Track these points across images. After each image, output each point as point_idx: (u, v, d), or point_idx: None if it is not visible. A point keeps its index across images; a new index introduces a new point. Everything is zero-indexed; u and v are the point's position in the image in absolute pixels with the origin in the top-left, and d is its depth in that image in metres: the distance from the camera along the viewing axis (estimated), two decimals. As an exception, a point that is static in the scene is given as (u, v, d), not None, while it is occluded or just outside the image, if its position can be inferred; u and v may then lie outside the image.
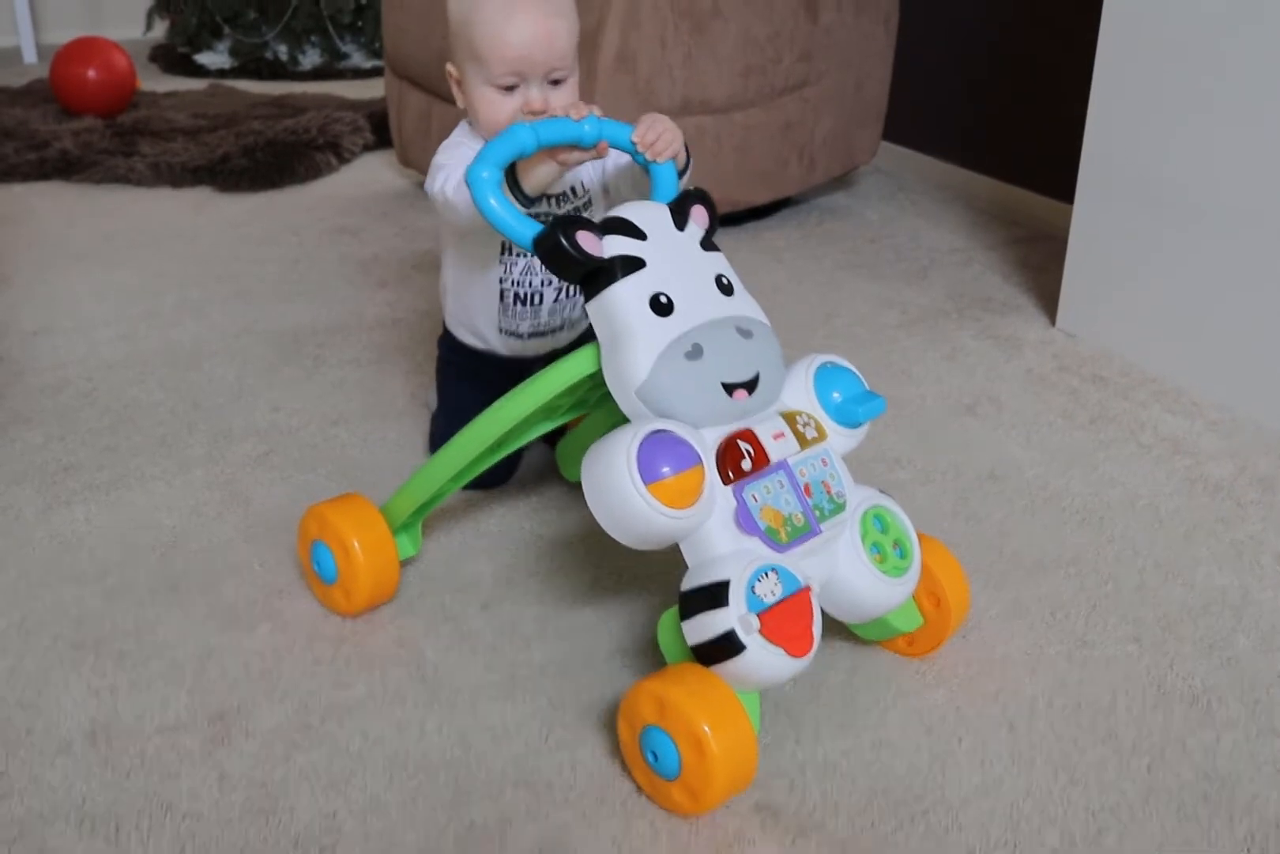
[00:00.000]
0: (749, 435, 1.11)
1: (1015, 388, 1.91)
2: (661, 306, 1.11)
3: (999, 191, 2.84)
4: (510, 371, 1.51)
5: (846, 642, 1.30)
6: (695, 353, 1.10)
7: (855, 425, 1.21)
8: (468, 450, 1.27)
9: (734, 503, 1.09)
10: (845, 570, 1.17)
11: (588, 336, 1.47)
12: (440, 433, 1.61)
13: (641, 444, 1.04)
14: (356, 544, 1.30)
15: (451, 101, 1.72)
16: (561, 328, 1.53)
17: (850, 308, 2.20)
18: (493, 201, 1.14)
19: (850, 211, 2.79)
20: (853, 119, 2.73)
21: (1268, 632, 1.34)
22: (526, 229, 1.14)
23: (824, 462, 1.16)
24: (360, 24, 4.33)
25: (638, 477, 1.03)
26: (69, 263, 2.42)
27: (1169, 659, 1.29)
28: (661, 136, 1.25)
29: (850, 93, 2.69)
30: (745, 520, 1.08)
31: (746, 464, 1.10)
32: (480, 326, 1.52)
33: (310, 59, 4.35)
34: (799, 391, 1.20)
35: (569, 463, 1.57)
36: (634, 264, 1.11)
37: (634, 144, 1.24)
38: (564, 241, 1.09)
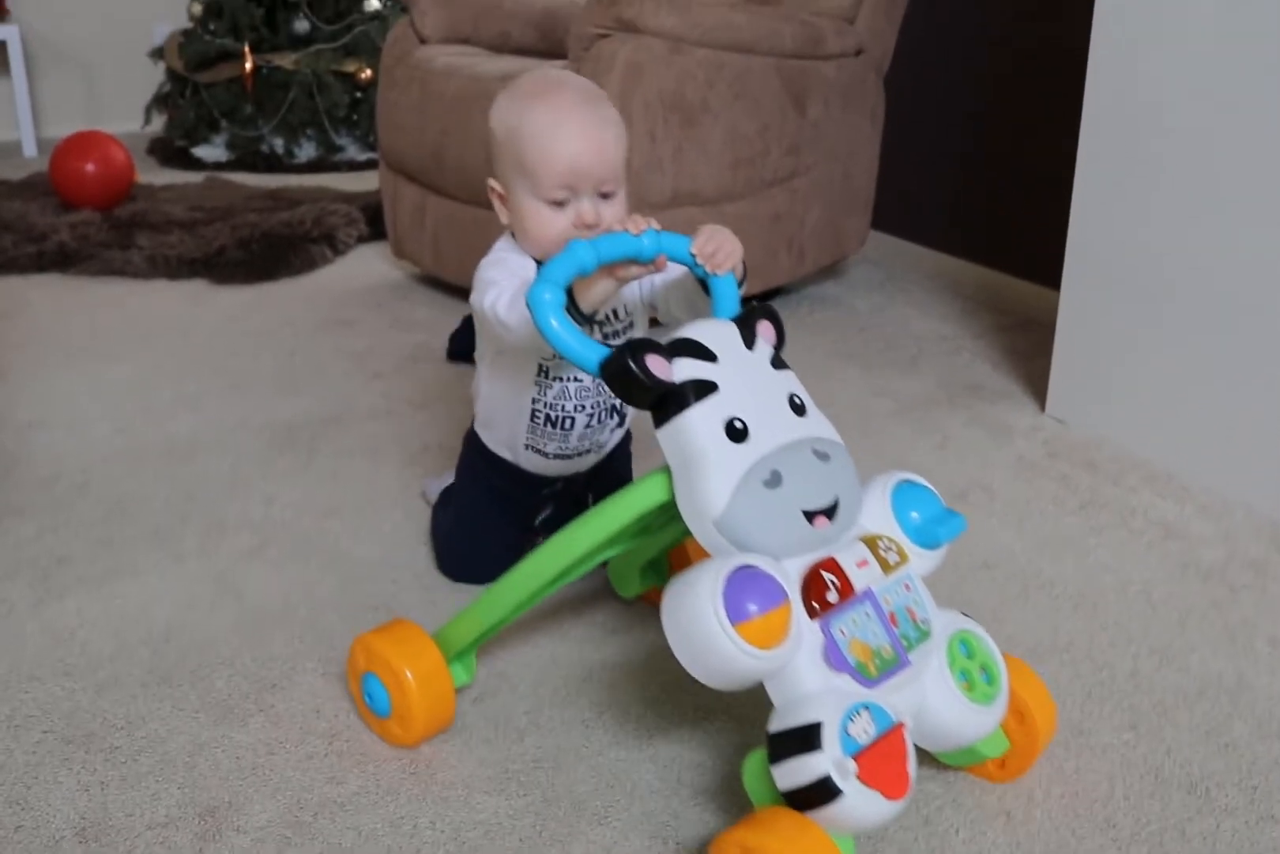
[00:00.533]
0: (833, 565, 1.06)
1: (1006, 475, 1.92)
2: (736, 432, 1.06)
3: (987, 279, 2.88)
4: (531, 485, 1.54)
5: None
6: (774, 480, 1.05)
7: (935, 546, 1.16)
8: (530, 583, 1.21)
9: (821, 638, 1.04)
10: (934, 700, 1.11)
11: (614, 459, 1.57)
12: (446, 529, 1.61)
13: (727, 581, 1.00)
14: (410, 674, 1.23)
15: (483, 206, 1.74)
16: (588, 452, 1.51)
17: (842, 397, 2.22)
18: (555, 324, 1.09)
19: (840, 301, 2.83)
20: (841, 209, 2.78)
21: (1264, 717, 1.34)
22: (592, 353, 1.09)
23: (907, 587, 1.12)
24: (355, 118, 4.41)
25: (724, 616, 0.99)
26: (64, 356, 2.43)
27: (1166, 746, 1.29)
28: (721, 247, 1.20)
29: (838, 184, 2.74)
30: (834, 656, 1.04)
31: (832, 596, 1.05)
32: (506, 438, 1.51)
33: (305, 152, 4.42)
34: (877, 513, 1.15)
35: (622, 579, 1.53)
36: (706, 388, 1.07)
37: (693, 256, 1.20)
38: (633, 366, 1.05)
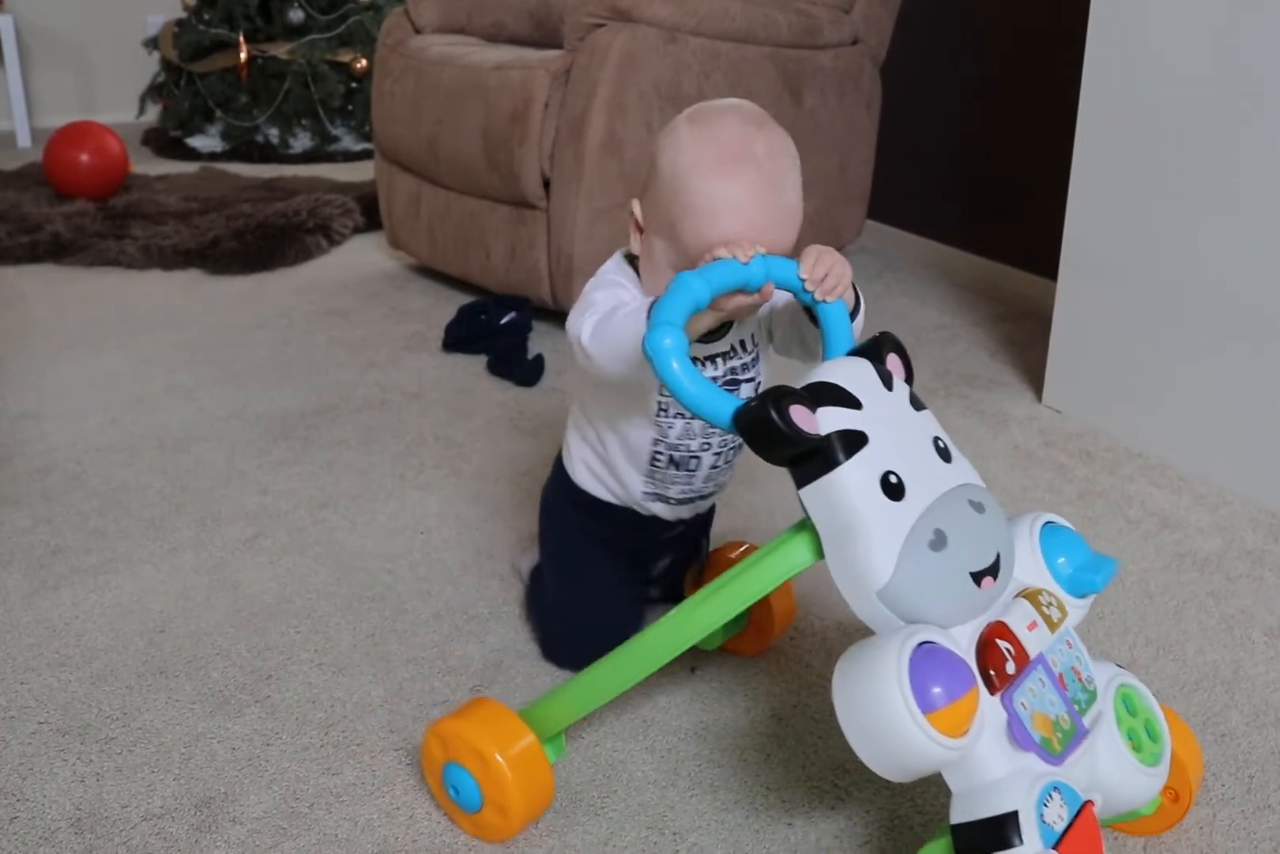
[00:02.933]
0: (1004, 631, 0.97)
1: (1003, 464, 1.92)
2: (893, 488, 0.95)
3: (983, 269, 2.88)
4: (648, 531, 1.35)
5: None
6: (939, 541, 0.94)
7: (1087, 595, 1.07)
8: (649, 661, 1.09)
9: (1004, 715, 0.93)
10: (1106, 766, 1.00)
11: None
12: (552, 592, 1.42)
13: (911, 664, 0.89)
14: (503, 760, 1.10)
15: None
16: (715, 493, 1.35)
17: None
18: (677, 369, 0.95)
19: (835, 290, 2.82)
20: (837, 199, 2.78)
21: (1260, 707, 1.34)
22: (723, 404, 0.96)
23: (1069, 644, 1.02)
24: (350, 108, 4.41)
25: (915, 706, 0.88)
26: (58, 347, 2.43)
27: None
28: (831, 270, 1.07)
29: (835, 174, 2.74)
30: (1020, 735, 0.93)
31: (1010, 667, 0.94)
32: (619, 487, 1.31)
33: (301, 142, 4.41)
34: (1029, 563, 1.04)
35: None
36: (857, 440, 0.95)
37: (801, 281, 1.06)
38: (777, 418, 0.92)
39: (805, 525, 1.00)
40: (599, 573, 1.36)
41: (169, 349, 2.42)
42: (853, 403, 0.97)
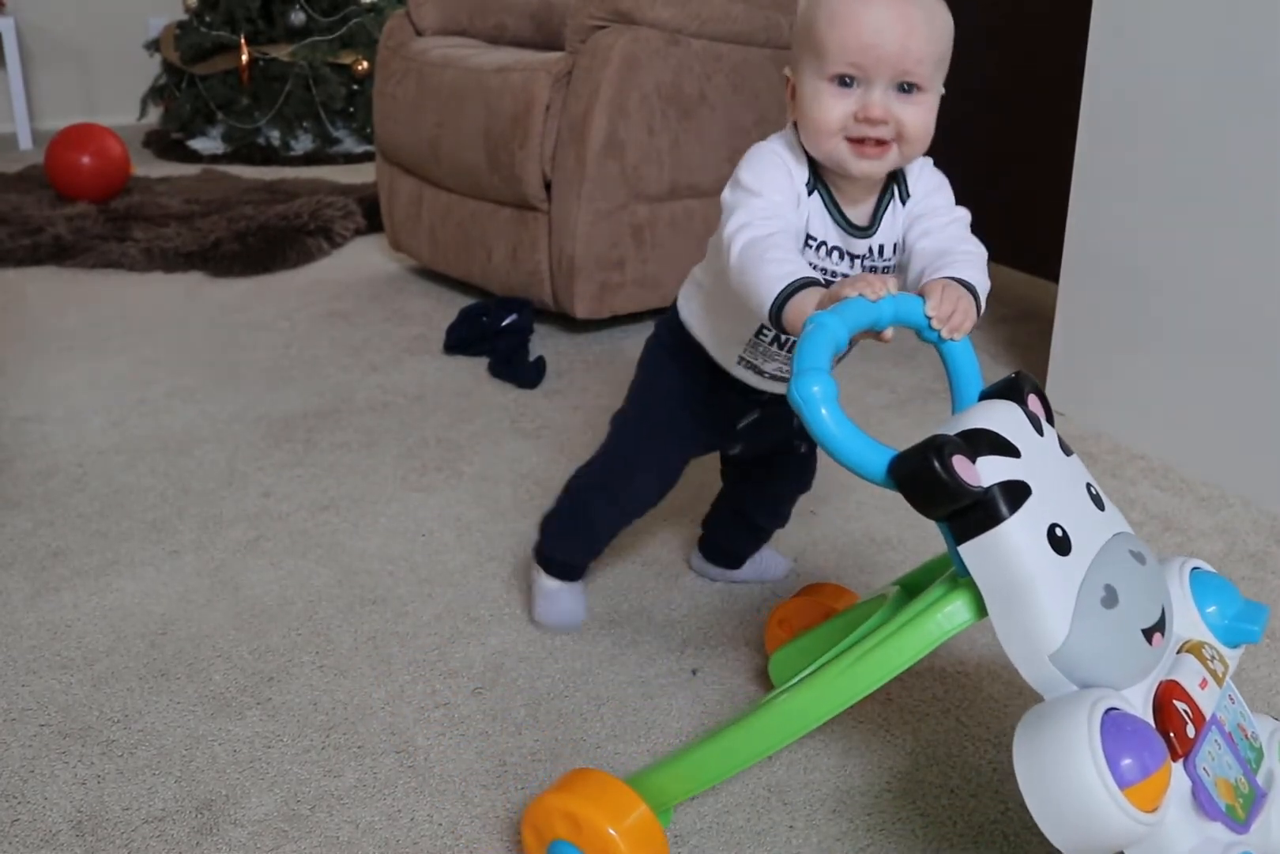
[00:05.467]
0: (1178, 691, 0.91)
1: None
2: (1060, 542, 0.89)
3: (984, 271, 2.88)
4: (740, 390, 1.32)
5: (838, 726, 1.29)
6: (1110, 598, 0.89)
7: (1240, 645, 1.01)
8: (788, 730, 1.00)
9: (1188, 782, 0.88)
10: (1277, 825, 0.95)
11: None
12: (634, 424, 1.39)
13: (1104, 735, 0.83)
14: (617, 835, 1.03)
15: None
16: None
17: (840, 388, 2.21)
18: (826, 417, 0.90)
19: (837, 292, 2.82)
20: (838, 201, 2.77)
21: (1262, 709, 1.34)
22: (875, 455, 0.90)
23: (1231, 699, 0.96)
24: (352, 110, 4.41)
25: (1110, 781, 0.82)
26: (60, 349, 2.43)
27: (1164, 740, 1.29)
28: (958, 306, 1.03)
29: (835, 176, 2.73)
30: (1207, 804, 0.87)
31: (1190, 730, 0.89)
32: (719, 347, 1.29)
33: (302, 144, 4.41)
34: (1184, 613, 0.98)
35: (783, 674, 1.31)
36: (1021, 492, 0.89)
37: (928, 319, 1.02)
38: (941, 470, 0.86)
39: (961, 581, 0.94)
40: (690, 403, 1.33)
41: (171, 351, 2.42)
42: (1011, 451, 0.91)
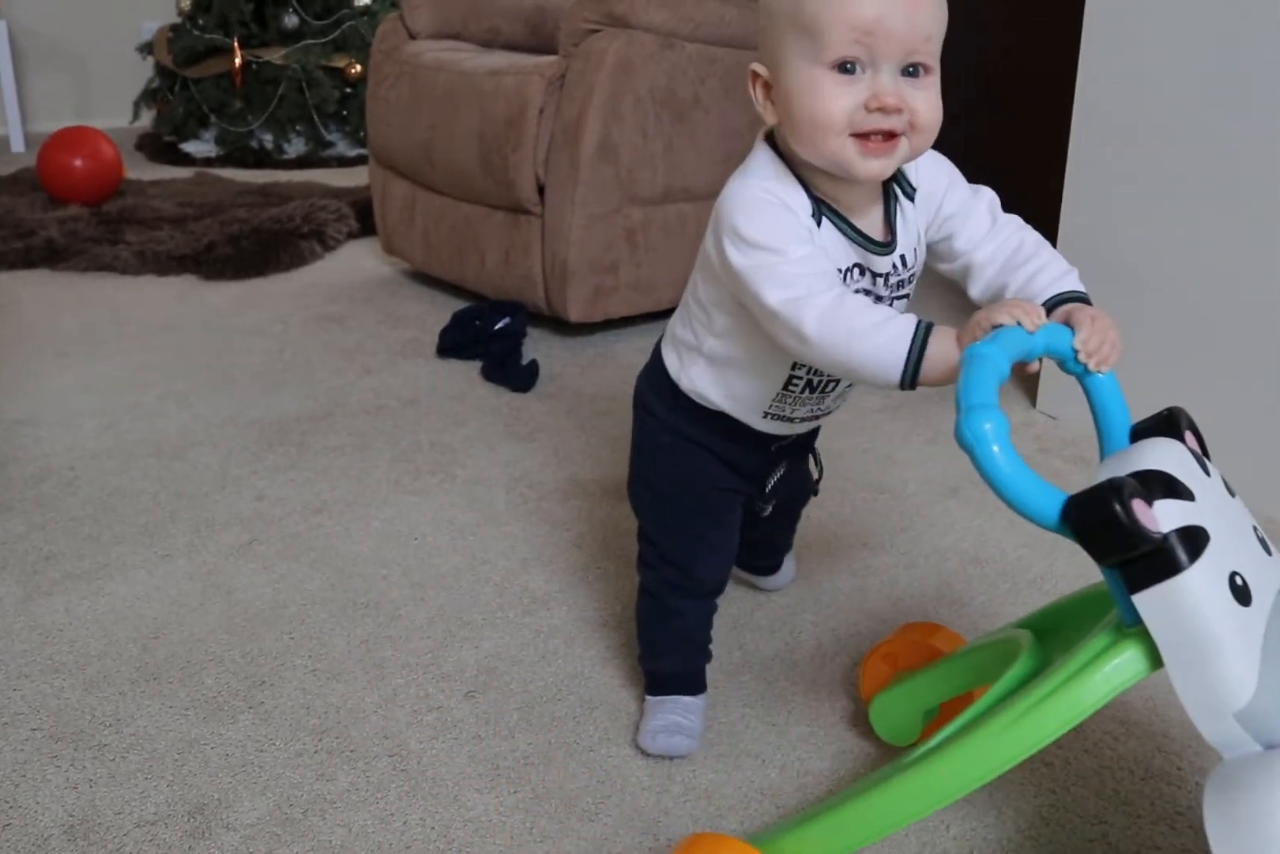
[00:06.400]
0: None
1: (996, 470, 1.91)
2: (1241, 591, 0.84)
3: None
4: (760, 442, 1.21)
5: (830, 729, 1.29)
6: None
7: None
8: (943, 794, 0.93)
9: None
10: None
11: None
12: (667, 518, 1.26)
13: None
14: None
15: None
16: (836, 409, 1.22)
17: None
18: (1000, 459, 0.83)
19: (830, 295, 2.82)
20: (830, 205, 2.78)
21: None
22: (1049, 498, 0.84)
23: None
24: (345, 113, 4.41)
25: None
26: (53, 352, 2.43)
27: (1155, 741, 1.29)
28: (1106, 339, 0.98)
29: (828, 180, 2.74)
30: None
31: None
32: (741, 405, 1.17)
33: (295, 147, 4.42)
34: None
35: (899, 724, 1.24)
36: (1200, 539, 0.83)
37: (1075, 351, 0.97)
38: (1122, 515, 0.80)
39: (1129, 631, 0.88)
40: (714, 483, 1.23)
41: (164, 355, 2.42)
42: (1186, 494, 0.85)
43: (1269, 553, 0.92)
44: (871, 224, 1.06)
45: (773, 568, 1.53)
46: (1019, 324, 0.92)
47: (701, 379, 1.17)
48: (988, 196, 1.12)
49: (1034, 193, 2.49)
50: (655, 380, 1.23)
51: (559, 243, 2.36)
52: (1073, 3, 2.01)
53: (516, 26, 2.98)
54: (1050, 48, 2.48)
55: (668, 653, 1.30)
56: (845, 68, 0.95)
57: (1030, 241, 1.10)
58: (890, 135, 0.98)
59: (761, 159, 1.05)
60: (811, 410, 1.18)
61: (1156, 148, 1.86)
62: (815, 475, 1.36)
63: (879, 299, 1.08)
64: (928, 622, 1.35)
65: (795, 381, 1.12)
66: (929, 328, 0.94)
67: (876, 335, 0.94)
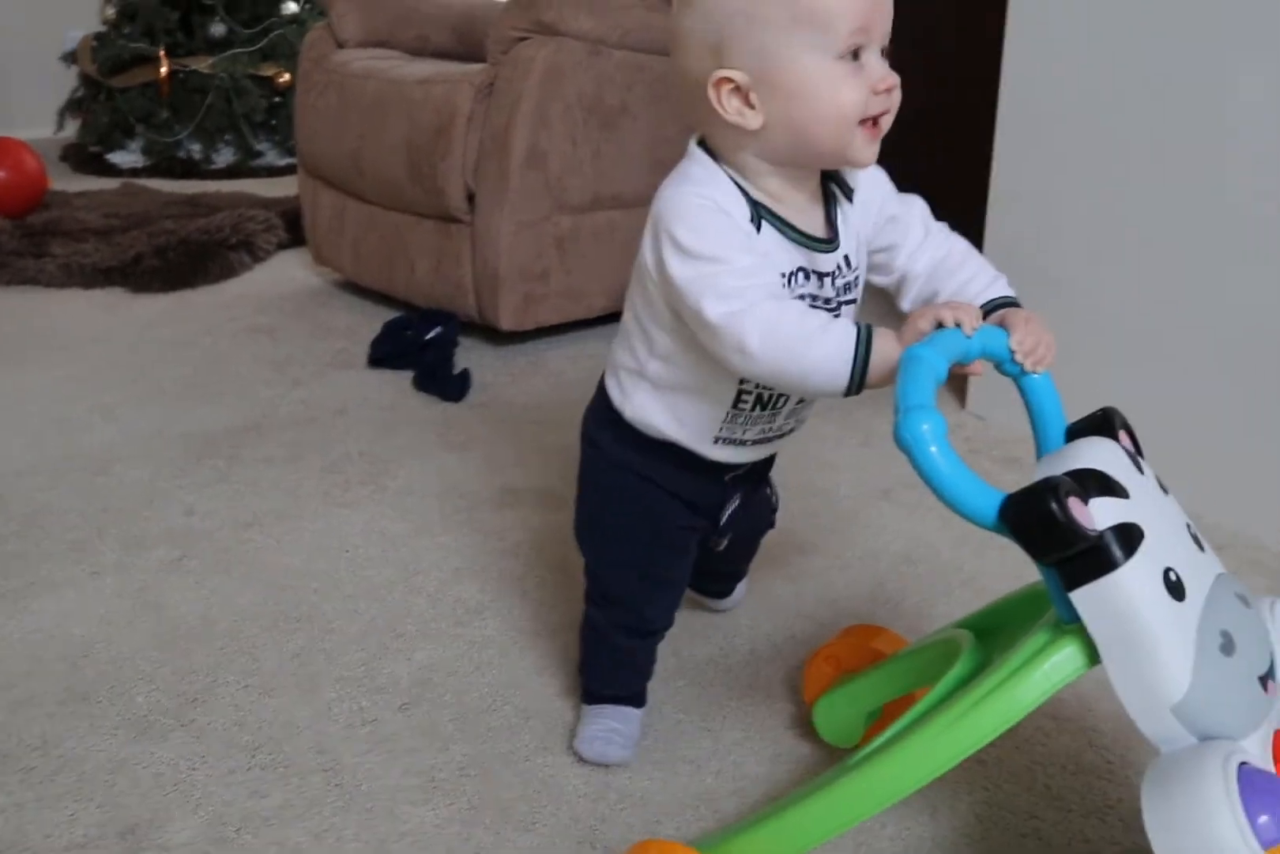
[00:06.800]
0: None
1: (927, 471, 1.93)
2: (1175, 587, 0.85)
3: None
4: (713, 472, 1.17)
5: (765, 731, 1.30)
6: (1228, 645, 0.86)
7: None
8: (883, 796, 0.94)
9: None
10: None
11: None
12: (615, 557, 1.23)
13: (1242, 793, 0.79)
14: None
15: None
16: (791, 431, 1.18)
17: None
18: (938, 458, 0.84)
19: (762, 300, 2.84)
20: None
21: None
22: (987, 498, 0.85)
23: None
24: (274, 122, 4.38)
25: (1254, 842, 0.78)
26: (-23, 367, 2.39)
27: (1087, 736, 1.31)
28: (1041, 340, 1.00)
29: (757, 185, 2.75)
30: None
31: None
32: (691, 430, 1.13)
33: (224, 157, 4.38)
34: None
35: (841, 727, 1.24)
36: (1135, 535, 0.85)
37: (1011, 352, 0.99)
38: (1058, 512, 0.81)
39: (1067, 628, 0.89)
40: (666, 520, 1.19)
41: (91, 369, 2.38)
42: (1121, 492, 0.87)
43: (1201, 548, 0.93)
44: (812, 223, 1.06)
45: (726, 591, 1.51)
46: (957, 325, 0.93)
47: (647, 406, 1.13)
48: (919, 206, 1.13)
49: (958, 198, 2.51)
50: (600, 413, 1.19)
51: (489, 251, 2.36)
52: (997, 8, 2.03)
53: (445, 34, 2.97)
54: (974, 52, 2.51)
55: (609, 680, 1.30)
56: (855, 55, 0.96)
57: (959, 249, 1.11)
58: (875, 121, 0.99)
59: (696, 164, 1.04)
60: (763, 431, 1.14)
61: (1078, 151, 1.89)
62: (772, 506, 1.34)
63: (828, 302, 1.07)
64: (870, 624, 1.36)
65: (745, 397, 1.09)
66: (870, 330, 0.95)
67: (819, 344, 0.94)
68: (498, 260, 2.35)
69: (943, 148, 2.75)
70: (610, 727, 1.26)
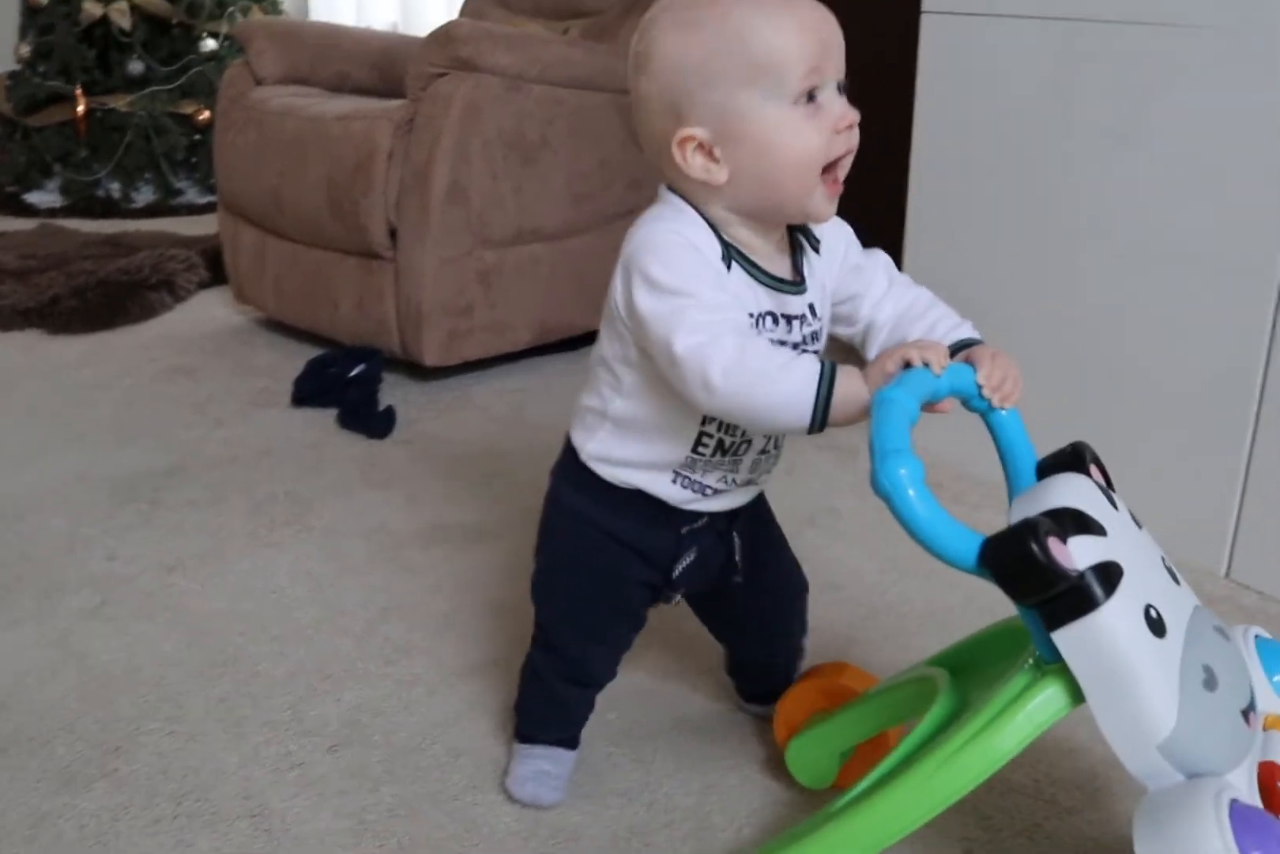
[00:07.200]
0: (1279, 772, 0.88)
1: (853, 498, 1.95)
2: (1156, 623, 0.85)
3: (828, 306, 2.94)
4: (669, 523, 1.15)
5: (695, 764, 1.30)
6: (1211, 680, 0.86)
7: None
8: (871, 841, 0.95)
9: None
10: None
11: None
12: (563, 605, 1.23)
13: (1235, 832, 0.79)
14: None
15: None
16: (750, 483, 1.16)
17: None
18: (916, 503, 0.83)
19: (687, 330, 2.86)
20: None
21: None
22: (966, 542, 0.85)
23: None
24: (194, 160, 4.34)
25: None
26: (-109, 413, 2.34)
27: (1013, 759, 1.32)
28: (1008, 375, 1.00)
29: (679, 217, 2.78)
30: None
31: None
32: (647, 472, 1.12)
33: (144, 196, 4.33)
34: (1259, 685, 0.95)
35: (814, 767, 1.23)
36: (1114, 574, 0.85)
37: (979, 387, 0.99)
38: (1039, 554, 0.81)
39: (1049, 668, 0.89)
40: (617, 573, 1.17)
41: (7, 413, 2.35)
42: (1098, 529, 0.87)
43: (1177, 582, 0.93)
44: (780, 268, 1.07)
45: (767, 693, 1.35)
46: (925, 365, 0.93)
47: (607, 443, 1.12)
48: (883, 258, 1.15)
49: (878, 233, 2.55)
50: (562, 467, 1.19)
51: (412, 287, 2.36)
52: (908, 45, 2.07)
53: (364, 71, 2.98)
54: (886, 87, 2.55)
55: (543, 723, 1.29)
56: (809, 97, 0.97)
57: (924, 299, 1.12)
58: (832, 167, 1.01)
59: (668, 206, 1.04)
60: (724, 477, 1.12)
61: (992, 184, 1.93)
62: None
63: (795, 347, 1.07)
64: (834, 661, 1.34)
65: (706, 440, 1.08)
66: (834, 367, 0.94)
67: (783, 379, 0.94)
68: (421, 296, 2.35)
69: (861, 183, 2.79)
70: (542, 768, 1.25)
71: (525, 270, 2.47)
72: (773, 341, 1.03)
